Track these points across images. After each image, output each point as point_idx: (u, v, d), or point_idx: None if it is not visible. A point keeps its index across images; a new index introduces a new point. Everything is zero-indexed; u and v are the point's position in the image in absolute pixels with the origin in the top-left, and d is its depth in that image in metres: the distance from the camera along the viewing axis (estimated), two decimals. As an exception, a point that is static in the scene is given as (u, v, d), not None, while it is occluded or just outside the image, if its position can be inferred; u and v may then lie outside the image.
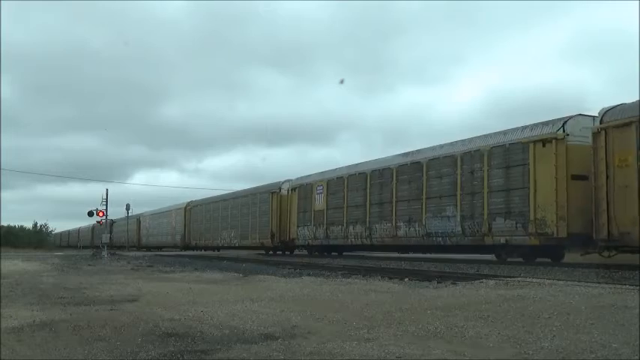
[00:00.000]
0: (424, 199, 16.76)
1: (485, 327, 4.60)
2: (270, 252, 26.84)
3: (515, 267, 12.50)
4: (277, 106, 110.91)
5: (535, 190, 13.37)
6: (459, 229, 15.46)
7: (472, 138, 15.95)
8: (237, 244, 29.47)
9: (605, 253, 11.83)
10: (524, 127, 14.30)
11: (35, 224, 72.94)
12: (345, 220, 20.32)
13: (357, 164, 20.94)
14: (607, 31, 77.14)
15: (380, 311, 5.63)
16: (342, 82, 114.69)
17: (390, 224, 18.03)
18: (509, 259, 14.33)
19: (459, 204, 15.52)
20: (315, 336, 4.37)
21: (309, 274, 11.32)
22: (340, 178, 20.97)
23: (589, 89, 75.79)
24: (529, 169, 13.56)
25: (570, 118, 13.26)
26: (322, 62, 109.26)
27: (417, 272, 11.27)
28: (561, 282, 8.32)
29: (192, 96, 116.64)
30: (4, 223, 67.60)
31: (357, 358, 3.64)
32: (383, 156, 18.70)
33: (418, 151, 17.93)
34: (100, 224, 31.33)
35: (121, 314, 5.79)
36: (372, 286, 8.53)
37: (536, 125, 13.99)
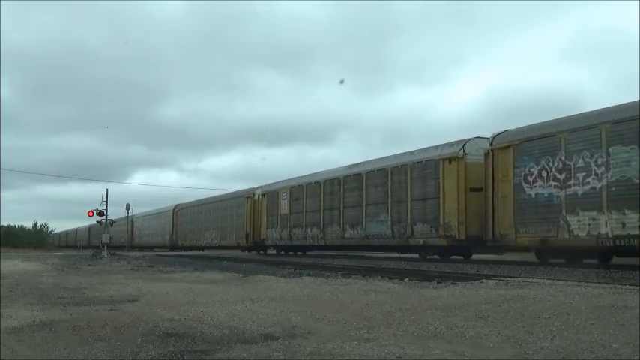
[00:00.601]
0: (364, 206, 19.31)
1: (485, 327, 4.60)
2: (246, 251, 29.49)
3: (515, 267, 12.52)
4: (276, 107, 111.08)
5: (444, 200, 15.96)
6: (390, 232, 18.01)
7: (401, 154, 18.54)
8: (217, 244, 32.04)
9: (496, 251, 15.07)
10: (437, 147, 16.87)
11: (35, 224, 73.10)
12: (304, 224, 22.95)
13: (314, 174, 23.40)
14: (605, 31, 77.34)
15: (380, 311, 5.63)
16: (342, 82, 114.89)
17: (338, 227, 20.71)
18: (428, 257, 17.22)
19: (389, 210, 18.07)
20: (315, 336, 4.37)
21: (309, 274, 11.32)
22: (300, 186, 23.57)
23: (587, 89, 75.95)
24: (439, 182, 16.16)
25: (469, 140, 15.91)
26: (321, 62, 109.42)
27: (417, 272, 11.28)
28: (561, 282, 8.32)
29: (191, 96, 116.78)
30: (4, 223, 67.70)
31: (357, 358, 3.64)
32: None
33: (361, 163, 20.37)
34: (100, 224, 31.33)
35: (121, 314, 5.79)
36: (372, 286, 8.53)
37: (445, 145, 16.55)
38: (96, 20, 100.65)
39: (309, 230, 22.70)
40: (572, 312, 5.24)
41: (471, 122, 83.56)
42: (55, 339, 4.48)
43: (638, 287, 7.16)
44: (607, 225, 11.71)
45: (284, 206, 24.73)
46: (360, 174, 19.77)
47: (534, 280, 8.84)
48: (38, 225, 73.36)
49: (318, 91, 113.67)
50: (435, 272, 11.19)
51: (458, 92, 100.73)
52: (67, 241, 77.08)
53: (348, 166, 21.25)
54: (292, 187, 24.31)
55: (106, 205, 30.37)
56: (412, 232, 17.10)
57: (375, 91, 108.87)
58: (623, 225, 11.35)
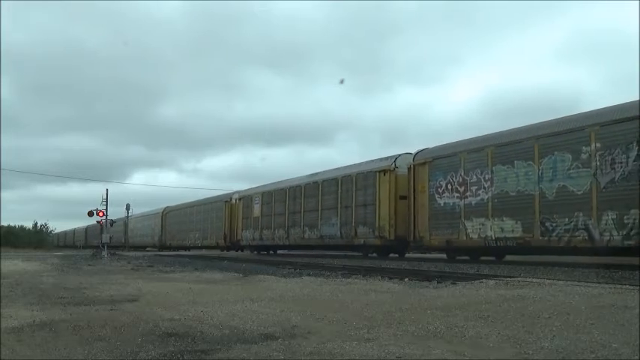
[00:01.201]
0: (320, 211, 21.92)
1: (485, 327, 4.60)
2: (225, 250, 31.99)
3: (515, 267, 12.53)
4: (275, 107, 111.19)
5: (379, 206, 18.55)
6: (339, 233, 20.78)
7: (349, 165, 21.23)
8: (200, 244, 35.01)
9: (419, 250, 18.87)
10: (375, 160, 19.58)
11: (35, 224, 73.03)
12: (272, 226, 25.62)
13: (281, 181, 25.95)
14: (603, 31, 77.45)
15: (380, 311, 5.63)
16: (342, 82, 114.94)
17: (299, 229, 23.32)
18: (369, 255, 19.85)
19: (339, 215, 20.77)
20: (315, 336, 4.37)
21: (309, 274, 11.32)
22: (270, 192, 26.27)
23: (585, 89, 76.01)
24: (376, 190, 18.69)
25: (400, 155, 18.64)
26: (319, 62, 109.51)
27: (417, 272, 11.28)
28: (561, 282, 8.32)
29: (189, 96, 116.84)
30: (4, 223, 67.66)
31: (357, 358, 3.64)
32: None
33: (318, 173, 22.99)
34: (101, 224, 31.34)
35: (121, 314, 5.78)
36: (372, 286, 8.53)
37: (382, 159, 19.24)
38: (94, 20, 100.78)
39: (276, 231, 25.35)
40: (572, 312, 5.24)
41: (470, 122, 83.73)
42: (55, 339, 4.48)
43: (638, 287, 7.16)
44: (491, 229, 14.60)
45: (256, 210, 27.38)
46: (317, 182, 22.41)
47: (534, 280, 8.84)
48: (38, 225, 73.34)
49: (316, 91, 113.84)
50: (435, 272, 11.20)
51: (456, 92, 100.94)
52: (66, 242, 77.25)
53: (309, 175, 23.71)
54: (263, 193, 27.01)
55: (106, 205, 30.38)
56: (356, 233, 19.75)
57: (374, 91, 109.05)
58: (502, 229, 14.33)
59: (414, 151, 18.08)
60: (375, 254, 19.54)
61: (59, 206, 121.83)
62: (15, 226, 70.49)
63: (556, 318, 4.93)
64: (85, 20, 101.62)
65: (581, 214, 12.46)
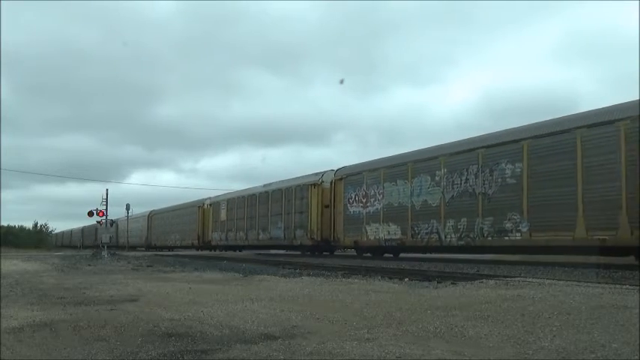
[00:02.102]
0: (269, 216, 26.08)
1: (485, 327, 4.60)
2: (199, 250, 35.86)
3: (515, 267, 12.53)
4: (272, 107, 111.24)
5: (310, 213, 22.82)
6: (283, 235, 24.91)
7: (291, 179, 25.15)
8: (179, 244, 39.39)
9: (338, 248, 23.49)
10: (310, 175, 23.78)
11: (35, 224, 72.98)
12: (235, 228, 29.93)
13: (242, 190, 30.57)
14: (598, 32, 77.57)
15: (380, 311, 5.63)
16: (342, 82, 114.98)
17: (254, 231, 27.62)
18: (315, 253, 23.41)
19: (283, 220, 24.86)
20: (315, 336, 4.37)
21: (309, 274, 11.32)
22: (233, 199, 30.62)
23: (582, 89, 76.07)
24: (308, 201, 22.99)
25: (326, 172, 22.85)
26: (315, 62, 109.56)
27: (417, 272, 11.28)
28: (561, 282, 8.32)
29: (186, 96, 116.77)
30: (4, 223, 67.62)
31: (357, 358, 3.64)
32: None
33: (270, 184, 26.92)
34: (100, 224, 31.36)
35: (121, 314, 5.78)
36: (372, 286, 8.53)
37: (313, 175, 23.60)
38: (90, 20, 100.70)
39: (237, 233, 29.55)
40: (572, 312, 5.24)
41: (466, 122, 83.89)
42: (55, 339, 4.48)
43: (638, 287, 7.16)
44: (382, 232, 18.83)
45: (223, 215, 31.54)
46: (268, 192, 26.56)
47: (534, 280, 8.84)
48: (38, 225, 73.28)
49: (313, 92, 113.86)
50: (435, 272, 11.20)
51: (452, 93, 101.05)
52: (63, 242, 77.38)
53: (263, 185, 27.76)
54: (228, 200, 31.14)
55: (106, 205, 30.40)
56: (294, 235, 23.95)
57: (370, 91, 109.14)
58: (389, 232, 18.56)
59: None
60: (308, 252, 23.93)
61: (58, 206, 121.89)
62: (15, 226, 70.53)
63: (556, 318, 4.93)
64: (81, 20, 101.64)
65: (434, 221, 16.61)
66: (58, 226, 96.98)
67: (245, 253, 30.61)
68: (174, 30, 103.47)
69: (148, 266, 16.55)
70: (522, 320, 4.88)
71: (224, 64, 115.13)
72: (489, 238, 14.77)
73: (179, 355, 3.79)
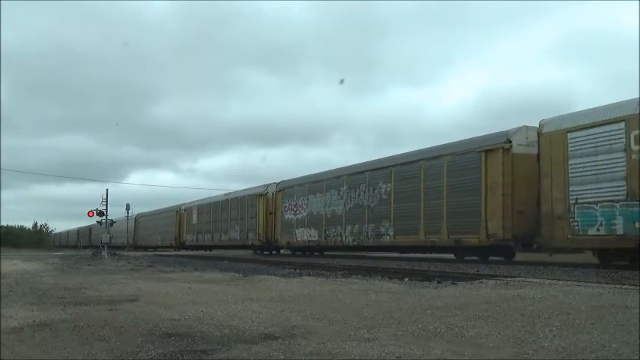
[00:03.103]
0: (229, 221, 30.58)
1: (485, 327, 4.60)
2: (178, 250, 39.75)
3: (515, 267, 12.53)
4: (269, 107, 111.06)
5: (258, 219, 27.03)
6: (238, 237, 29.31)
7: (245, 189, 30.22)
8: (160, 244, 44.19)
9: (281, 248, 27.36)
10: (260, 186, 28.13)
11: (35, 224, 72.95)
12: (203, 230, 34.63)
13: (210, 197, 35.65)
14: (593, 32, 77.56)
15: (380, 311, 5.63)
16: (342, 82, 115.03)
17: (218, 234, 32.08)
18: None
19: (239, 224, 29.27)
20: (315, 336, 4.37)
21: (309, 274, 11.32)
22: (202, 206, 35.49)
23: (578, 89, 76.08)
24: (257, 208, 27.25)
25: (269, 184, 27.17)
26: (312, 63, 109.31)
27: (417, 272, 11.28)
28: (561, 282, 8.32)
29: (183, 96, 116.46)
30: (4, 223, 67.59)
31: (357, 358, 3.64)
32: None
33: (230, 193, 32.09)
34: (100, 224, 31.36)
35: (121, 314, 5.78)
36: (372, 286, 8.53)
37: (260, 186, 27.96)
38: (87, 20, 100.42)
39: (205, 235, 34.19)
40: (572, 312, 5.24)
41: (464, 122, 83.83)
42: (55, 339, 4.48)
43: (638, 287, 7.16)
44: (306, 235, 23.31)
45: (194, 219, 36.13)
46: (227, 200, 31.30)
47: (534, 280, 8.84)
48: (38, 225, 73.27)
49: (310, 92, 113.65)
50: (435, 272, 11.20)
51: (449, 92, 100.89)
52: (61, 242, 77.46)
53: (224, 193, 33.09)
54: (199, 206, 35.94)
55: (106, 205, 30.40)
56: (247, 237, 28.35)
57: (367, 91, 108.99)
58: (310, 235, 23.02)
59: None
60: (258, 251, 28.17)
61: (58, 206, 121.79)
62: (15, 226, 70.49)
63: (556, 318, 4.93)
64: (77, 20, 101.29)
65: (339, 227, 21.03)
66: (57, 226, 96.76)
67: (214, 252, 33.31)
68: (170, 30, 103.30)
69: (148, 266, 16.56)
70: (522, 320, 4.88)
71: (221, 64, 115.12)
72: (371, 240, 19.33)
73: (179, 355, 3.79)
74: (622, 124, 11.21)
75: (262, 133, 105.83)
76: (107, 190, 31.38)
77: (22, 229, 70.75)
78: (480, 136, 15.72)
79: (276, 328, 4.77)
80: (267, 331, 4.59)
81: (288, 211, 24.77)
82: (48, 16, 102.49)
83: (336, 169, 22.67)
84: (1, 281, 10.19)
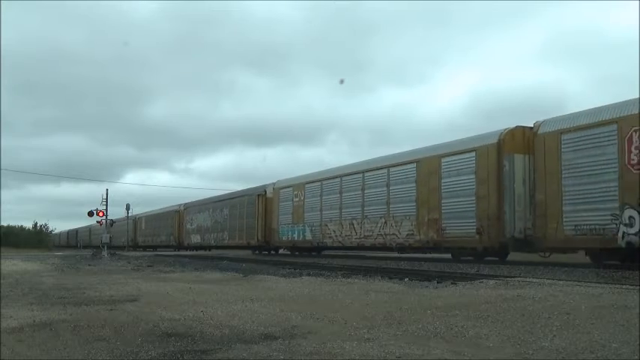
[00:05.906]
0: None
1: (485, 327, 4.60)
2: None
3: (515, 267, 12.54)
4: (263, 107, 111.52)
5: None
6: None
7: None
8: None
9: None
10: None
11: (35, 224, 72.88)
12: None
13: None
14: (583, 32, 77.87)
15: (380, 311, 5.63)
16: (342, 82, 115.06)
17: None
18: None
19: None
20: (315, 336, 4.37)
21: (309, 274, 11.32)
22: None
23: (569, 89, 76.28)
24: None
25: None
26: (305, 63, 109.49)
27: (417, 272, 11.28)
28: (561, 282, 8.32)
29: (176, 96, 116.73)
30: (4, 223, 67.55)
31: (357, 358, 3.64)
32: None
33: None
34: (100, 224, 31.39)
35: (121, 314, 5.78)
36: (372, 286, 8.53)
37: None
38: (78, 21, 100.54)
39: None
40: (572, 312, 5.24)
41: (455, 122, 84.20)
42: (55, 339, 4.48)
43: (638, 287, 7.16)
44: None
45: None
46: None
47: (534, 280, 8.84)
48: (38, 225, 73.18)
49: (304, 92, 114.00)
50: (435, 272, 11.20)
51: (440, 93, 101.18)
52: (60, 242, 77.47)
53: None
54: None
55: (106, 205, 30.43)
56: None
57: (359, 91, 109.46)
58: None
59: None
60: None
61: (57, 206, 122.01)
62: (15, 226, 70.42)
63: (556, 318, 4.93)
64: (68, 20, 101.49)
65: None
66: (57, 226, 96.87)
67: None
68: (159, 30, 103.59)
69: (148, 266, 16.56)
70: (522, 320, 4.88)
71: (211, 64, 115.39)
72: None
73: (179, 355, 3.79)
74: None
75: (257, 133, 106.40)
76: (107, 190, 31.45)
77: (22, 229, 70.70)
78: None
79: (276, 328, 4.77)
80: (267, 331, 4.59)
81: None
82: (40, 16, 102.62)
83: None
84: (1, 281, 10.19)
